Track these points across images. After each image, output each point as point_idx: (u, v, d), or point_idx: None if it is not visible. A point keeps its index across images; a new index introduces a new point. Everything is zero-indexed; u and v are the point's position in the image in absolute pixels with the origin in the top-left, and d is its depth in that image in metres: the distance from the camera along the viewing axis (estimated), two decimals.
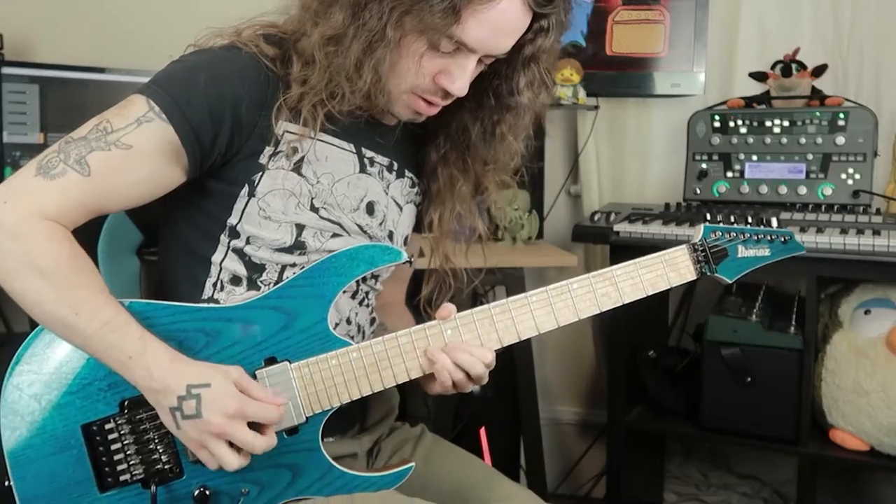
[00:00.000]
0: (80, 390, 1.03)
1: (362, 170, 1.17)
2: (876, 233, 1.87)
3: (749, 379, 1.98)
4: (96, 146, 1.01)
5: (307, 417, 1.06)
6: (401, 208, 1.23)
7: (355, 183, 1.15)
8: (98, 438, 1.03)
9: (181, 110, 1.03)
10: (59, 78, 2.16)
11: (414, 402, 2.55)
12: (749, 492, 2.46)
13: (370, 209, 1.18)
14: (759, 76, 2.33)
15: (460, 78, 1.07)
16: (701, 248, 1.18)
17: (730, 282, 1.20)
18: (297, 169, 1.10)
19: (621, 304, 1.14)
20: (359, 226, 1.16)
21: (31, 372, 1.03)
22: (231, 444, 0.99)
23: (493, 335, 1.10)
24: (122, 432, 1.03)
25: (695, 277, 1.17)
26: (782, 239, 1.21)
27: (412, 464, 1.12)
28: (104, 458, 1.03)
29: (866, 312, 1.98)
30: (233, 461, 0.98)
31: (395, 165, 1.21)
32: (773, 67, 2.32)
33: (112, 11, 2.54)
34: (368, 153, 1.17)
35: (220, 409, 0.97)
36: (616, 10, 2.35)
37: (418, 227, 1.30)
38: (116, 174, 1.02)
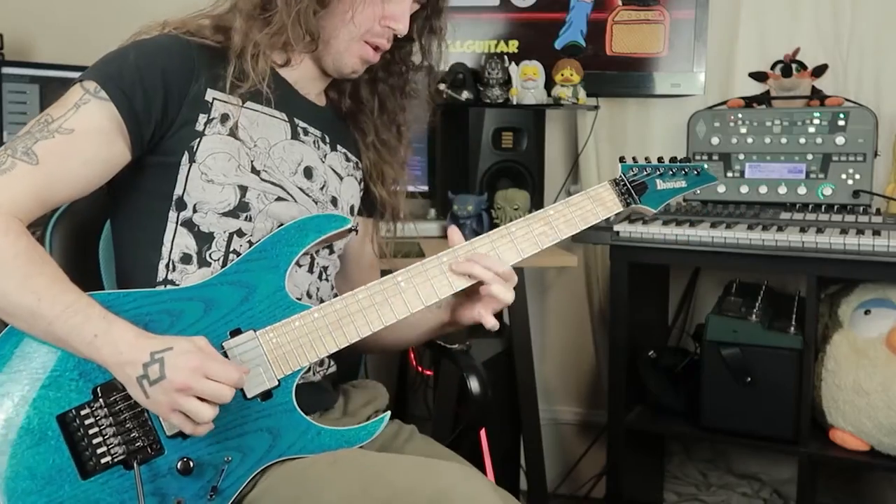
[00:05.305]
0: (51, 383, 1.04)
1: (295, 136, 1.22)
2: (876, 233, 1.87)
3: (749, 379, 1.98)
4: (40, 136, 1.06)
5: (279, 380, 1.10)
6: (341, 178, 1.28)
7: (289, 148, 1.21)
8: (75, 424, 1.04)
9: (115, 83, 1.08)
10: (59, 78, 2.17)
11: (414, 402, 2.56)
12: (749, 492, 2.46)
13: (308, 173, 1.22)
14: (759, 76, 2.33)
15: (403, 19, 1.20)
16: (622, 183, 1.28)
17: (654, 211, 1.30)
18: (233, 133, 1.15)
19: (559, 240, 1.23)
20: (301, 189, 1.21)
21: (0, 371, 1.04)
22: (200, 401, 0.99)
23: (445, 282, 1.16)
24: (97, 417, 1.05)
25: (621, 209, 1.27)
26: (695, 171, 1.33)
27: (387, 413, 1.19)
28: (83, 443, 1.04)
29: (866, 312, 1.98)
30: (206, 411, 0.98)
31: (328, 139, 1.27)
32: (773, 67, 2.32)
33: (112, 11, 2.54)
34: (301, 123, 1.23)
35: (183, 365, 0.98)
36: (616, 10, 2.35)
37: (371, 211, 1.37)
38: (63, 159, 1.06)
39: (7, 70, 2.14)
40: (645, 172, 1.29)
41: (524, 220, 1.21)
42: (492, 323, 1.19)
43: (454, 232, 1.20)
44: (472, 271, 1.15)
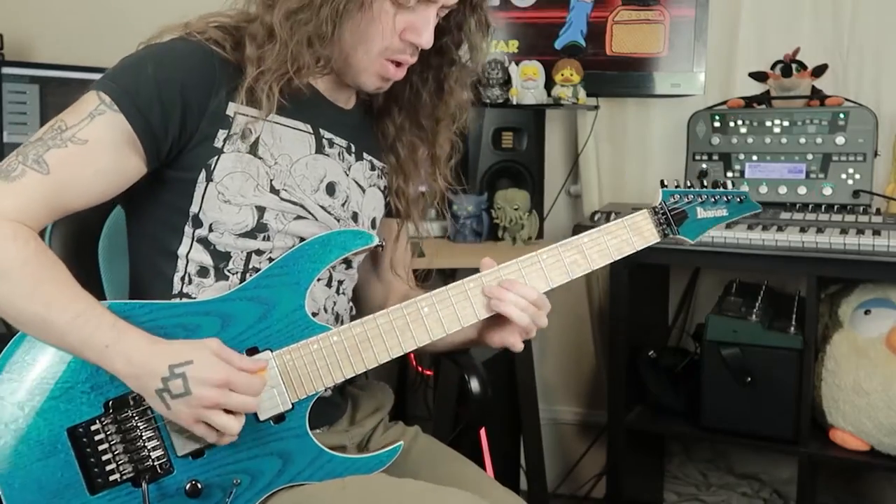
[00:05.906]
0: (63, 394, 1.03)
1: (319, 150, 1.18)
2: (876, 233, 1.87)
3: (749, 379, 1.98)
4: (52, 144, 1.03)
5: (293, 404, 1.08)
6: (363, 190, 1.25)
7: (312, 164, 1.17)
8: (84, 440, 1.03)
9: (131, 98, 1.05)
10: (59, 78, 2.16)
11: (413, 403, 2.56)
12: (749, 492, 2.46)
13: (330, 190, 1.19)
14: (759, 76, 2.33)
15: (426, 30, 1.12)
16: (661, 212, 1.22)
17: (692, 242, 1.24)
18: (253, 151, 1.11)
19: (591, 269, 1.18)
20: (322, 207, 1.17)
21: (13, 380, 1.03)
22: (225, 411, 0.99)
23: (470, 310, 1.14)
24: (108, 432, 1.03)
25: (658, 240, 1.22)
26: (738, 199, 1.26)
27: (400, 443, 1.15)
28: (92, 460, 1.03)
29: (866, 312, 1.98)
30: (235, 425, 0.99)
31: (354, 148, 1.23)
32: (773, 67, 2.31)
33: (112, 11, 2.54)
34: (327, 134, 1.19)
35: (208, 381, 0.97)
36: (616, 9, 2.35)
37: (389, 212, 1.33)
38: (75, 169, 1.04)
39: (7, 70, 2.14)
40: (686, 200, 1.23)
41: (556, 247, 1.17)
42: (520, 347, 1.18)
43: (488, 260, 1.17)
44: (501, 299, 1.12)
